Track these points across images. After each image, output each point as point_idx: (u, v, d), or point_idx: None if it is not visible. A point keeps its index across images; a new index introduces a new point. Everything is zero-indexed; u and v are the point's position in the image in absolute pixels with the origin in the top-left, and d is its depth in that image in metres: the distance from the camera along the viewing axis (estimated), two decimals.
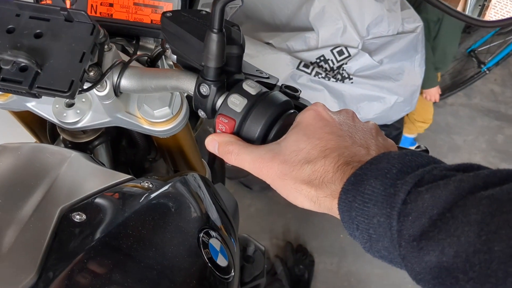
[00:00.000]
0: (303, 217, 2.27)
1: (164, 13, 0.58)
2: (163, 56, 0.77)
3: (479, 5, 0.89)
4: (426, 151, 0.59)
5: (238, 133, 0.52)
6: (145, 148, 0.84)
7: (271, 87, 0.58)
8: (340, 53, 1.61)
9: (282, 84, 0.61)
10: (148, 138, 0.83)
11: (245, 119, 0.51)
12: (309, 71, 1.59)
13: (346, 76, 1.60)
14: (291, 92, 0.59)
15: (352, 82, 1.59)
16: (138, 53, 0.73)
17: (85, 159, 0.64)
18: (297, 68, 1.58)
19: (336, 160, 0.44)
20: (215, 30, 0.49)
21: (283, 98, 0.53)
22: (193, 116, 0.97)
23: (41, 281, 0.43)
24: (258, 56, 1.63)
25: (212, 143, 0.52)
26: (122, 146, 0.83)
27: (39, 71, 0.53)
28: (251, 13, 1.92)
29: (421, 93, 2.16)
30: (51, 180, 0.55)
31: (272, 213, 2.32)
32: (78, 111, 0.68)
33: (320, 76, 1.58)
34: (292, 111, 0.53)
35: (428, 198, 0.36)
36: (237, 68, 0.56)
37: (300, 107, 0.59)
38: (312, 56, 1.63)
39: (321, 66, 1.64)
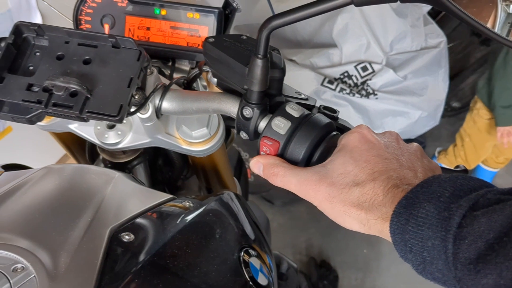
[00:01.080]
0: (326, 232, 2.26)
1: (206, 39, 0.59)
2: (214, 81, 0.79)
3: (508, 23, 0.90)
4: (465, 171, 0.59)
5: (282, 155, 0.53)
6: (181, 167, 0.86)
7: (310, 108, 0.60)
8: (364, 69, 1.62)
9: (320, 105, 0.63)
10: (183, 157, 0.85)
11: (289, 141, 0.52)
12: (333, 87, 1.60)
13: (371, 91, 1.61)
14: (330, 113, 0.60)
15: (376, 98, 1.60)
16: (177, 75, 0.75)
17: (128, 179, 0.66)
18: (322, 84, 1.59)
19: (385, 183, 0.44)
20: (260, 56, 0.51)
21: (326, 120, 0.54)
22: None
23: None
24: None
25: (257, 165, 0.53)
26: (158, 165, 0.85)
27: (89, 96, 0.55)
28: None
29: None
30: (99, 200, 0.57)
31: (294, 228, 2.31)
32: (119, 132, 0.70)
33: (344, 92, 1.60)
34: (335, 133, 0.54)
35: (484, 222, 0.37)
36: (278, 90, 0.58)
37: (341, 128, 0.60)
38: (336, 72, 1.64)
39: (345, 82, 1.65)
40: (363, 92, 1.62)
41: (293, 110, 0.53)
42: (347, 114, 1.61)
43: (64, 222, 0.52)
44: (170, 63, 0.80)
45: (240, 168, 1.49)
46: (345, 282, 2.06)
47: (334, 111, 0.61)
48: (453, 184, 0.41)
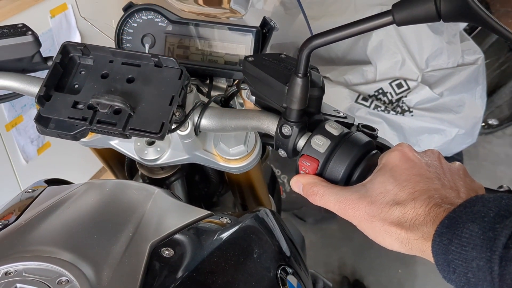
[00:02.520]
0: (359, 251, 2.23)
1: (246, 57, 0.60)
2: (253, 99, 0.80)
3: None
4: (510, 191, 0.58)
5: (321, 173, 0.53)
6: (217, 183, 0.87)
7: (348, 126, 0.59)
8: (399, 86, 1.61)
9: (359, 123, 0.62)
10: (220, 174, 0.86)
11: (329, 160, 0.52)
12: (367, 104, 1.59)
13: (406, 109, 1.59)
14: (369, 131, 0.60)
15: (412, 115, 1.58)
16: (215, 93, 0.76)
17: (167, 195, 0.67)
18: (356, 101, 1.58)
19: (427, 203, 0.44)
20: (300, 75, 0.51)
21: (366, 138, 0.54)
22: None
23: None
24: None
25: (297, 184, 0.54)
26: (195, 181, 0.86)
27: (132, 113, 0.57)
28: None
29: None
30: (139, 216, 0.58)
31: (326, 246, 2.29)
32: (158, 149, 0.72)
33: (379, 109, 1.58)
34: (375, 152, 0.54)
35: None
36: (316, 109, 0.58)
37: (381, 146, 0.60)
38: (370, 89, 1.63)
39: (380, 99, 1.63)
40: (398, 109, 1.60)
41: (333, 128, 0.54)
42: (381, 131, 1.59)
43: (106, 236, 0.54)
44: (207, 81, 0.82)
45: (273, 185, 1.50)
46: None
47: (373, 129, 0.61)
48: (497, 204, 0.40)
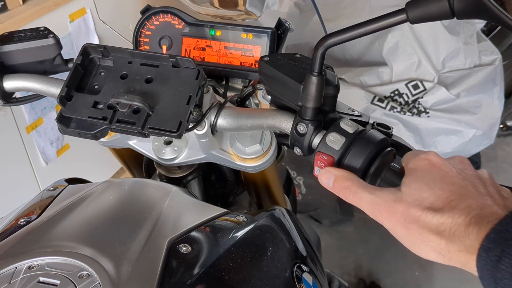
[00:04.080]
0: (375, 253, 2.22)
1: (262, 57, 0.61)
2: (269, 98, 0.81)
3: None
4: None
5: None
6: (233, 183, 0.87)
7: (363, 124, 0.60)
8: (415, 87, 1.60)
9: (374, 122, 0.63)
10: (236, 173, 0.87)
11: (344, 157, 0.53)
12: (383, 105, 1.59)
13: (423, 110, 1.59)
14: (384, 129, 0.60)
15: (428, 116, 1.57)
16: (231, 93, 0.77)
17: (184, 193, 0.68)
18: (371, 102, 1.58)
19: (466, 213, 0.42)
20: (315, 73, 0.52)
21: (380, 136, 0.54)
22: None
23: None
24: None
25: (328, 176, 0.51)
26: (211, 181, 0.87)
27: (150, 113, 0.58)
28: None
29: None
30: (158, 213, 0.59)
31: (342, 249, 2.28)
32: (175, 148, 0.73)
33: (395, 110, 1.58)
34: (389, 149, 0.54)
35: None
36: (331, 107, 0.59)
37: (396, 145, 0.60)
38: (386, 90, 1.63)
39: (396, 100, 1.63)
40: (414, 110, 1.59)
41: (348, 126, 0.54)
42: (397, 132, 1.58)
43: (126, 232, 0.55)
44: (224, 82, 0.83)
45: (288, 186, 1.50)
46: None
47: (388, 127, 0.61)
48: None
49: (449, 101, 1.61)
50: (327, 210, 2.32)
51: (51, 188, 0.70)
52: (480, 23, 1.71)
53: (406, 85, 1.60)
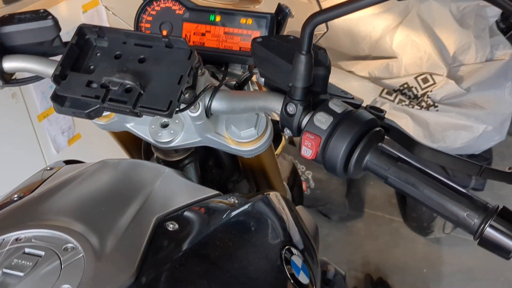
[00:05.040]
0: (384, 250, 2.20)
1: (254, 39, 0.61)
2: (249, 81, 0.81)
3: None
4: None
5: (323, 149, 0.53)
6: (230, 168, 0.88)
7: (355, 107, 0.60)
8: (425, 80, 1.59)
9: (367, 105, 0.62)
10: (233, 159, 0.87)
11: (331, 136, 0.52)
12: (392, 98, 1.57)
13: (431, 103, 1.57)
14: (376, 112, 0.60)
15: (437, 110, 1.55)
16: (225, 77, 0.77)
17: (178, 175, 0.68)
18: (380, 95, 1.57)
19: None
20: (303, 52, 0.52)
21: (369, 116, 0.54)
22: (275, 139, 1.00)
23: (138, 281, 0.47)
24: (340, 84, 1.62)
25: None
26: (209, 166, 0.87)
27: (142, 92, 0.58)
28: (332, 43, 1.95)
29: None
30: (147, 192, 0.60)
31: (350, 244, 2.27)
32: (171, 132, 0.73)
33: (403, 103, 1.56)
34: (378, 129, 0.54)
35: None
36: (323, 89, 0.58)
37: (386, 127, 0.60)
38: (395, 83, 1.61)
39: (405, 94, 1.61)
40: (423, 104, 1.57)
41: (336, 106, 0.54)
42: (406, 127, 1.57)
43: (114, 209, 0.55)
44: (223, 68, 0.83)
45: (294, 179, 1.50)
46: None
47: (381, 110, 0.61)
48: None
49: (459, 95, 1.59)
50: (336, 205, 2.31)
51: (48, 168, 0.71)
52: (493, 17, 1.68)
53: (415, 78, 1.58)
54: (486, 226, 0.44)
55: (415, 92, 1.59)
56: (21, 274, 0.46)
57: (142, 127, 0.76)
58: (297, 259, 0.63)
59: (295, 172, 1.51)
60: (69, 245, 0.49)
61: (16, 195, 0.60)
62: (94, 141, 2.01)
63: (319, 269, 0.73)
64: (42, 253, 0.48)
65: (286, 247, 0.63)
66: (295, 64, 0.53)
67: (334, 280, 0.84)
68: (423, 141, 1.63)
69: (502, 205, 0.45)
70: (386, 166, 0.51)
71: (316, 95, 0.58)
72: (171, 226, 0.55)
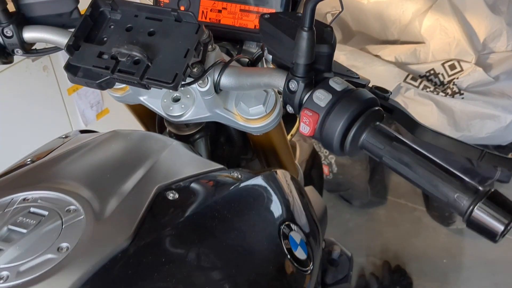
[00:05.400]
0: (404, 238, 2.19)
1: (262, 15, 0.62)
2: (263, 59, 0.81)
3: None
4: None
5: (321, 127, 0.53)
6: (240, 146, 0.89)
7: (360, 86, 0.59)
8: (452, 67, 1.55)
9: (372, 86, 0.62)
10: (244, 137, 0.88)
11: (329, 114, 0.53)
12: (416, 84, 1.55)
13: (457, 91, 1.53)
14: (380, 92, 0.60)
15: (463, 98, 1.52)
16: (238, 55, 0.78)
17: (185, 148, 0.70)
18: (404, 80, 1.54)
19: None
20: (305, 28, 0.52)
21: (369, 95, 0.54)
22: (289, 121, 1.01)
23: (133, 244, 0.49)
24: (365, 68, 1.63)
25: None
26: (220, 143, 0.89)
27: (149, 64, 0.60)
28: (362, 27, 1.92)
29: None
30: (152, 162, 0.61)
31: (370, 230, 2.26)
32: (182, 106, 0.75)
33: (428, 89, 1.53)
34: (376, 108, 0.54)
35: None
36: (327, 67, 0.58)
37: (389, 108, 0.59)
38: (421, 69, 1.58)
39: (431, 80, 1.58)
40: (448, 91, 1.54)
41: (336, 84, 0.54)
42: (430, 113, 1.54)
43: (118, 176, 0.58)
44: (238, 46, 0.84)
45: (313, 161, 1.50)
46: None
47: (386, 91, 0.60)
48: None
49: (486, 83, 1.54)
50: (358, 191, 2.30)
51: (64, 136, 0.74)
52: None
53: (442, 64, 1.55)
54: (475, 208, 0.44)
55: (441, 78, 1.56)
56: (24, 231, 0.49)
57: (155, 100, 0.78)
58: (295, 235, 0.64)
59: (314, 155, 1.51)
60: (72, 207, 0.52)
61: (29, 159, 0.63)
62: (121, 117, 2.05)
63: (321, 248, 0.74)
64: (46, 213, 0.51)
65: (286, 222, 0.64)
66: (297, 40, 0.53)
67: (339, 260, 0.85)
68: (447, 129, 1.61)
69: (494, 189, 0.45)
70: (381, 145, 0.51)
71: (320, 73, 0.58)
72: (171, 195, 0.57)
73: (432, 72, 1.57)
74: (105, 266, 0.46)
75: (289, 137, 1.16)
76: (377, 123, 0.53)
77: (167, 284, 0.49)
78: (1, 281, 0.44)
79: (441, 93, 1.53)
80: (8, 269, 0.45)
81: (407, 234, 2.21)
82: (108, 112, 2.07)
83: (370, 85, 0.62)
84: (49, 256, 0.46)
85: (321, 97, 0.53)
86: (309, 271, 0.63)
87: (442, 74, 1.56)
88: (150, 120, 0.92)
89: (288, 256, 0.61)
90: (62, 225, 0.50)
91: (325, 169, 2.31)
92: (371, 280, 1.95)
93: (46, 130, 1.80)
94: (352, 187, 2.31)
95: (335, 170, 2.27)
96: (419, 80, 1.55)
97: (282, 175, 0.75)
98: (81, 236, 0.48)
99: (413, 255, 2.11)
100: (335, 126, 0.52)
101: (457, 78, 1.54)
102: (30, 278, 0.44)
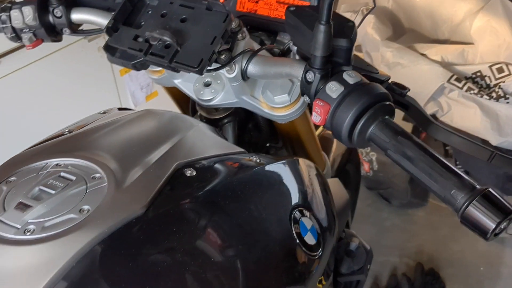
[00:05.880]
0: (442, 242, 2.15)
1: (288, 7, 0.64)
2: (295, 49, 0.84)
3: None
4: None
5: (331, 118, 0.56)
6: (267, 133, 0.92)
7: (378, 82, 0.61)
8: (500, 70, 1.50)
9: (392, 82, 0.63)
10: (272, 125, 0.91)
11: (339, 105, 0.55)
12: (460, 85, 1.51)
13: (502, 95, 1.49)
14: (398, 89, 0.61)
15: (508, 102, 1.47)
16: (268, 45, 0.81)
17: (210, 130, 0.74)
18: (448, 81, 1.52)
19: None
20: (322, 22, 0.54)
21: (380, 90, 0.55)
22: None
23: (148, 213, 0.53)
24: (410, 66, 1.61)
25: None
26: (248, 129, 0.92)
27: (178, 49, 0.64)
28: (414, 24, 1.90)
29: None
30: (176, 140, 0.66)
31: (407, 231, 2.24)
32: (212, 91, 0.79)
33: (472, 92, 1.50)
34: (387, 103, 0.55)
35: None
36: (345, 60, 0.60)
37: (405, 104, 0.61)
38: (468, 70, 1.55)
39: (476, 82, 1.54)
40: (493, 94, 1.50)
41: (350, 77, 0.56)
42: (473, 117, 1.50)
43: (142, 150, 0.62)
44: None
45: (349, 155, 1.50)
46: None
47: (404, 88, 0.62)
48: None
49: None
50: (398, 190, 2.27)
51: (102, 112, 0.80)
52: None
53: (490, 67, 1.50)
54: (469, 205, 0.45)
55: (487, 81, 1.52)
56: (52, 192, 0.54)
57: (188, 84, 0.82)
58: (307, 221, 0.67)
59: (351, 150, 1.51)
60: (97, 174, 0.57)
61: (67, 130, 0.69)
62: (169, 100, 2.14)
63: (335, 238, 0.76)
64: (74, 178, 0.56)
65: (299, 208, 0.67)
66: (314, 33, 0.56)
67: (356, 252, 0.87)
68: (490, 133, 1.56)
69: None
70: (387, 139, 0.52)
71: (338, 66, 0.60)
72: (189, 172, 0.61)
73: (478, 74, 1.53)
74: (120, 229, 0.51)
75: (320, 129, 1.18)
76: (386, 117, 0.54)
77: (176, 252, 0.53)
78: (28, 233, 0.49)
79: (485, 96, 1.49)
80: (34, 223, 0.50)
81: (445, 239, 2.16)
82: (157, 94, 2.15)
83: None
84: (71, 215, 0.51)
85: (334, 89, 0.55)
86: (316, 257, 0.66)
87: (489, 77, 1.52)
88: (185, 103, 0.97)
89: (297, 240, 0.63)
90: (86, 190, 0.55)
91: (366, 166, 2.29)
92: (402, 281, 1.93)
93: (96, 109, 1.90)
94: (392, 186, 2.28)
95: (375, 168, 2.25)
96: (463, 82, 1.51)
97: (303, 163, 0.77)
98: (102, 201, 0.53)
99: (449, 260, 2.07)
100: (344, 117, 0.54)
101: (504, 82, 1.49)
102: (53, 233, 0.49)
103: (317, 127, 1.18)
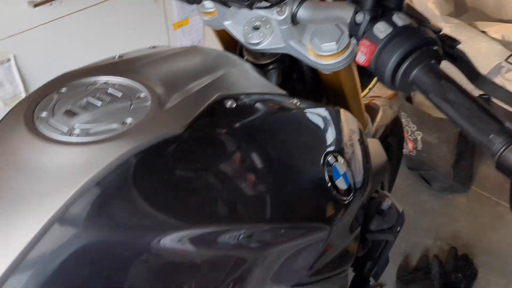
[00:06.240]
0: (480, 230, 2.10)
1: None
2: None
3: None
4: None
5: (376, 59, 0.55)
6: (311, 86, 0.92)
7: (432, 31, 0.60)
8: None
9: (444, 34, 0.62)
10: (315, 79, 0.91)
11: (385, 46, 0.54)
12: None
13: None
14: (450, 41, 0.59)
15: None
16: None
17: (254, 70, 0.75)
18: (506, 60, 1.45)
19: None
20: None
21: (429, 34, 0.54)
22: (365, 75, 1.01)
23: (186, 133, 0.55)
24: (468, 42, 1.55)
25: None
26: (291, 79, 0.93)
27: None
28: (477, 2, 1.82)
29: None
30: (220, 73, 0.67)
31: (445, 216, 2.19)
32: (261, 34, 0.79)
33: None
34: (435, 48, 0.54)
35: None
36: (397, 5, 0.59)
37: (453, 55, 0.59)
38: None
39: None
40: None
41: (399, 19, 0.55)
42: None
43: (187, 78, 0.64)
44: None
45: (392, 127, 1.48)
46: (482, 282, 1.89)
47: (456, 40, 0.60)
48: None
49: None
50: (440, 173, 2.22)
51: (152, 46, 0.82)
52: None
53: None
54: (506, 150, 0.44)
55: None
56: (99, 103, 0.57)
57: (238, 27, 0.83)
58: (340, 166, 0.67)
59: (396, 122, 1.48)
60: (142, 94, 0.59)
61: (118, 55, 0.72)
62: (199, 29, 2.10)
63: (367, 190, 0.76)
64: (120, 94, 0.59)
65: (334, 153, 0.67)
66: None
67: (387, 211, 0.86)
68: None
69: None
70: (430, 82, 0.52)
71: (389, 10, 0.59)
72: (229, 103, 0.62)
73: None
74: (158, 143, 0.53)
75: (366, 91, 1.17)
76: (432, 61, 0.53)
77: (208, 173, 0.55)
78: (74, 135, 0.52)
79: None
80: (80, 129, 0.53)
81: (484, 227, 2.11)
82: (188, 22, 2.12)
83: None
84: (115, 125, 0.54)
85: (381, 29, 0.55)
86: (346, 201, 0.66)
87: None
88: (233, 49, 0.98)
89: (328, 182, 0.64)
90: (131, 106, 0.57)
91: (410, 145, 2.25)
92: (433, 262, 1.91)
93: None
94: (435, 168, 2.23)
95: (419, 147, 2.20)
96: None
97: (344, 113, 0.77)
98: (144, 116, 0.55)
99: (485, 248, 2.02)
100: (389, 58, 0.54)
101: None
102: (96, 139, 0.52)
103: (363, 89, 1.17)
